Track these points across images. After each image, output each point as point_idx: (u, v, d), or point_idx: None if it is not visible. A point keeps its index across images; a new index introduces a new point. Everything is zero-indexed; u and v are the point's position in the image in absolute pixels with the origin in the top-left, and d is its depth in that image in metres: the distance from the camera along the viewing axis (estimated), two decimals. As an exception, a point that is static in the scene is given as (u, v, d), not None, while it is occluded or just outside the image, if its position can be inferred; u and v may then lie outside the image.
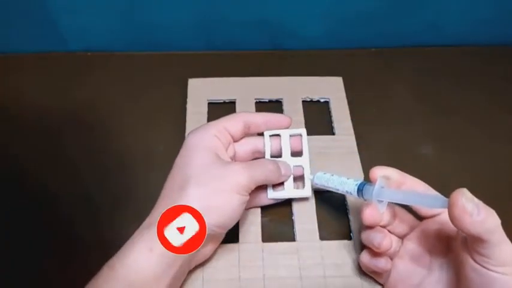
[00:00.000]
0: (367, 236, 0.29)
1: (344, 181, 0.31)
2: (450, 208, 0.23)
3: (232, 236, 0.32)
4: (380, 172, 0.29)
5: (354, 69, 0.45)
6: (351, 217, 0.34)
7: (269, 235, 0.34)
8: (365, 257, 0.30)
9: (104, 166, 0.38)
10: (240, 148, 0.34)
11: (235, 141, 0.33)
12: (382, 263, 0.29)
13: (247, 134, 0.34)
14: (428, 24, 0.47)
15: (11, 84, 0.43)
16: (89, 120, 0.41)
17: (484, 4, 0.46)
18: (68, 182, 0.37)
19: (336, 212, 0.35)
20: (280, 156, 0.34)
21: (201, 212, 0.27)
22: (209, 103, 0.41)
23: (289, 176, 0.33)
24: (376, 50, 0.48)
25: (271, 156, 0.34)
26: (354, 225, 0.34)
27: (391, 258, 0.30)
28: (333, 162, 0.37)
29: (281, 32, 0.47)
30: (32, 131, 0.40)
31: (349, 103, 0.42)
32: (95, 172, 0.37)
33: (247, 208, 0.34)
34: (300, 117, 0.40)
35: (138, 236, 0.26)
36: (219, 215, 0.28)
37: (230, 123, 0.32)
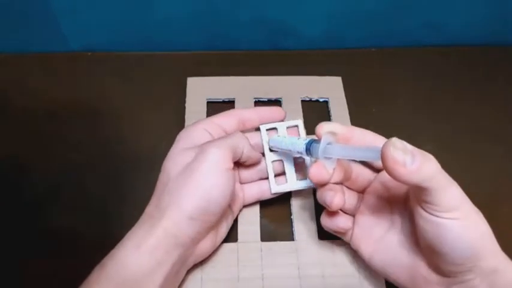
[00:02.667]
0: (319, 195, 0.29)
1: (295, 141, 0.30)
2: (382, 161, 0.22)
3: (231, 235, 0.33)
4: (325, 128, 0.28)
5: (353, 69, 0.45)
6: (350, 216, 0.34)
7: (268, 234, 0.34)
8: (324, 218, 0.30)
9: (103, 166, 0.38)
10: None
11: None
12: (341, 222, 0.29)
13: (243, 131, 0.33)
14: (428, 24, 0.47)
15: (11, 84, 0.43)
16: (88, 119, 0.41)
17: (484, 4, 0.46)
18: (67, 181, 0.37)
19: (335, 212, 0.35)
20: (278, 150, 0.33)
21: (179, 201, 0.26)
22: (208, 102, 0.41)
23: (261, 152, 0.33)
24: (376, 50, 0.48)
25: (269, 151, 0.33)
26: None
27: (353, 215, 0.30)
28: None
29: (280, 31, 0.47)
30: (31, 131, 0.40)
31: (348, 103, 0.42)
32: (94, 172, 0.37)
33: (248, 204, 0.34)
34: (299, 117, 0.40)
35: (129, 236, 0.26)
36: (194, 198, 0.26)
37: (223, 120, 0.32)
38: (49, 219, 0.35)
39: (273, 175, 0.33)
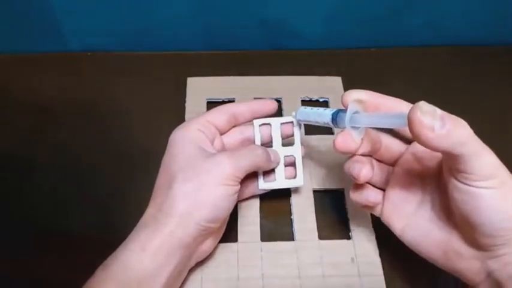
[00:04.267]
0: (347, 167, 0.27)
1: (321, 112, 0.29)
2: (409, 127, 0.21)
3: (231, 235, 0.33)
4: (352, 96, 0.27)
5: (353, 69, 0.45)
6: (350, 216, 0.34)
7: (268, 234, 0.34)
8: (353, 191, 0.29)
9: (103, 166, 0.38)
10: (228, 140, 0.33)
11: (222, 133, 0.32)
12: (371, 196, 0.28)
13: (236, 126, 0.33)
14: (428, 24, 0.47)
15: (11, 84, 0.43)
16: (88, 119, 0.41)
17: (484, 4, 0.46)
18: (67, 181, 0.37)
19: (334, 212, 0.35)
20: (270, 146, 0.33)
21: (189, 209, 0.26)
22: (208, 102, 0.41)
23: (279, 163, 0.32)
24: (376, 50, 0.48)
25: (262, 145, 0.33)
26: (352, 225, 0.34)
27: (383, 189, 0.29)
28: (332, 162, 0.37)
29: (280, 31, 0.47)
30: (31, 131, 0.40)
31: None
32: (94, 172, 0.37)
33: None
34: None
35: (132, 237, 0.26)
36: (208, 210, 0.27)
37: (214, 116, 0.31)
38: (49, 219, 0.35)
39: (262, 171, 0.33)
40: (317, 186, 0.36)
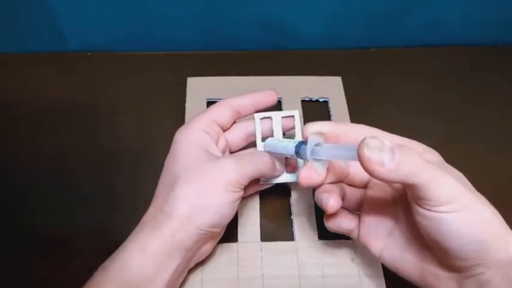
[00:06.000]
0: (316, 197, 0.27)
1: (286, 145, 0.29)
2: (360, 163, 0.21)
3: (231, 235, 0.32)
4: (311, 129, 0.27)
5: (353, 69, 0.45)
6: (349, 216, 0.34)
7: (268, 234, 0.34)
8: (326, 219, 0.29)
9: (103, 166, 0.38)
10: (231, 136, 0.33)
11: (225, 129, 0.32)
12: (344, 223, 0.28)
13: (239, 119, 0.33)
14: (428, 24, 0.47)
15: (11, 84, 0.43)
16: (88, 119, 0.41)
17: (483, 4, 0.46)
18: (67, 181, 0.37)
19: (334, 212, 0.35)
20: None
21: (191, 214, 0.26)
22: (208, 102, 0.41)
23: (283, 171, 0.32)
24: (376, 50, 0.48)
25: (263, 140, 0.33)
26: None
27: (359, 211, 0.29)
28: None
29: (280, 31, 0.47)
30: (31, 131, 0.40)
31: (348, 103, 0.41)
32: (94, 172, 0.37)
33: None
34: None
35: (132, 238, 0.26)
36: (210, 215, 0.26)
37: (217, 114, 0.31)
38: (49, 219, 0.35)
39: None
40: (317, 186, 0.36)
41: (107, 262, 0.25)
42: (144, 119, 0.41)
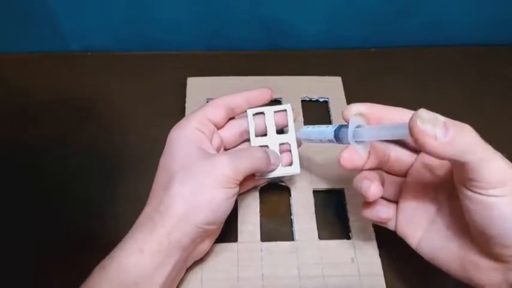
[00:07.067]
0: (355, 183, 0.27)
1: (323, 130, 0.28)
2: (411, 136, 0.20)
3: (231, 235, 0.33)
4: (353, 110, 0.26)
5: (353, 69, 0.45)
6: (350, 216, 0.34)
7: (268, 234, 0.34)
8: (364, 208, 0.28)
9: (103, 166, 0.38)
10: (226, 134, 0.33)
11: (220, 127, 0.32)
12: (382, 212, 0.27)
13: (233, 117, 0.33)
14: (428, 24, 0.47)
15: (10, 84, 0.43)
16: (88, 119, 0.41)
17: (484, 4, 0.46)
18: (67, 181, 0.37)
19: (334, 211, 0.35)
20: (265, 134, 0.33)
21: (187, 212, 0.26)
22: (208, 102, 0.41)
23: (278, 166, 0.32)
24: (376, 50, 0.48)
25: (256, 135, 0.33)
26: (352, 225, 0.34)
27: (397, 201, 0.28)
28: (332, 162, 0.37)
29: (280, 31, 0.47)
30: (31, 131, 0.40)
31: (348, 103, 0.41)
32: (94, 172, 0.37)
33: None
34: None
35: (129, 237, 0.26)
36: (206, 213, 0.26)
37: (211, 112, 0.31)
38: (48, 219, 0.35)
39: None
40: (317, 186, 0.36)
41: (104, 261, 0.25)
42: (144, 119, 0.41)
